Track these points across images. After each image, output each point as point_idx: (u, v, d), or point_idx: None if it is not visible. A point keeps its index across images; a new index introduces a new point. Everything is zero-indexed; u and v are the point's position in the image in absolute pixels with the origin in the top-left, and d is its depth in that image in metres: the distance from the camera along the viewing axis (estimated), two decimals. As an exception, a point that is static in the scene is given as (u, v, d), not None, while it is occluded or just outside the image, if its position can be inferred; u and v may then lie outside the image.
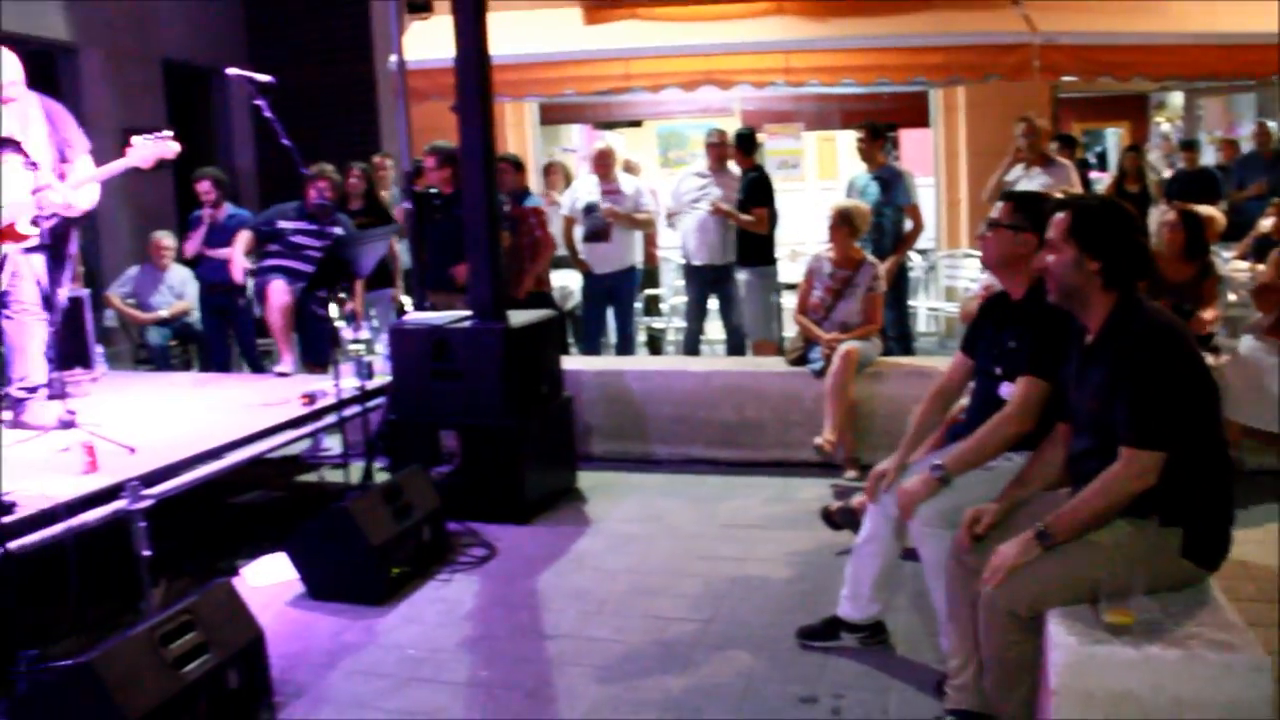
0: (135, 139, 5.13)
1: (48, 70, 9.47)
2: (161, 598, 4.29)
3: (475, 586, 4.64)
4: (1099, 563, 2.77)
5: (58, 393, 5.13)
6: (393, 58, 6.95)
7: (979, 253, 3.81)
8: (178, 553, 4.59)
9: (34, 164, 4.75)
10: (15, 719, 3.25)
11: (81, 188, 5.09)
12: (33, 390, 5.14)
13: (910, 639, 3.87)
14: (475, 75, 5.30)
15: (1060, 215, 2.97)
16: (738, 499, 5.64)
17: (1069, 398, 3.09)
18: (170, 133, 5.15)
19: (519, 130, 10.60)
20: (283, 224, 6.73)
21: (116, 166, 5.13)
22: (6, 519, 3.62)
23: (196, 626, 3.39)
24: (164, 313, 7.93)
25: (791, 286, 7.40)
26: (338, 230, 6.55)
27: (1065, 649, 2.67)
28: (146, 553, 4.13)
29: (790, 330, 6.82)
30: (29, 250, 5.03)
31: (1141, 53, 8.34)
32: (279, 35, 11.48)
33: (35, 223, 4.89)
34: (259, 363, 7.71)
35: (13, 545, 3.60)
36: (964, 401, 3.96)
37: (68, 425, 4.72)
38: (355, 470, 5.28)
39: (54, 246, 5.16)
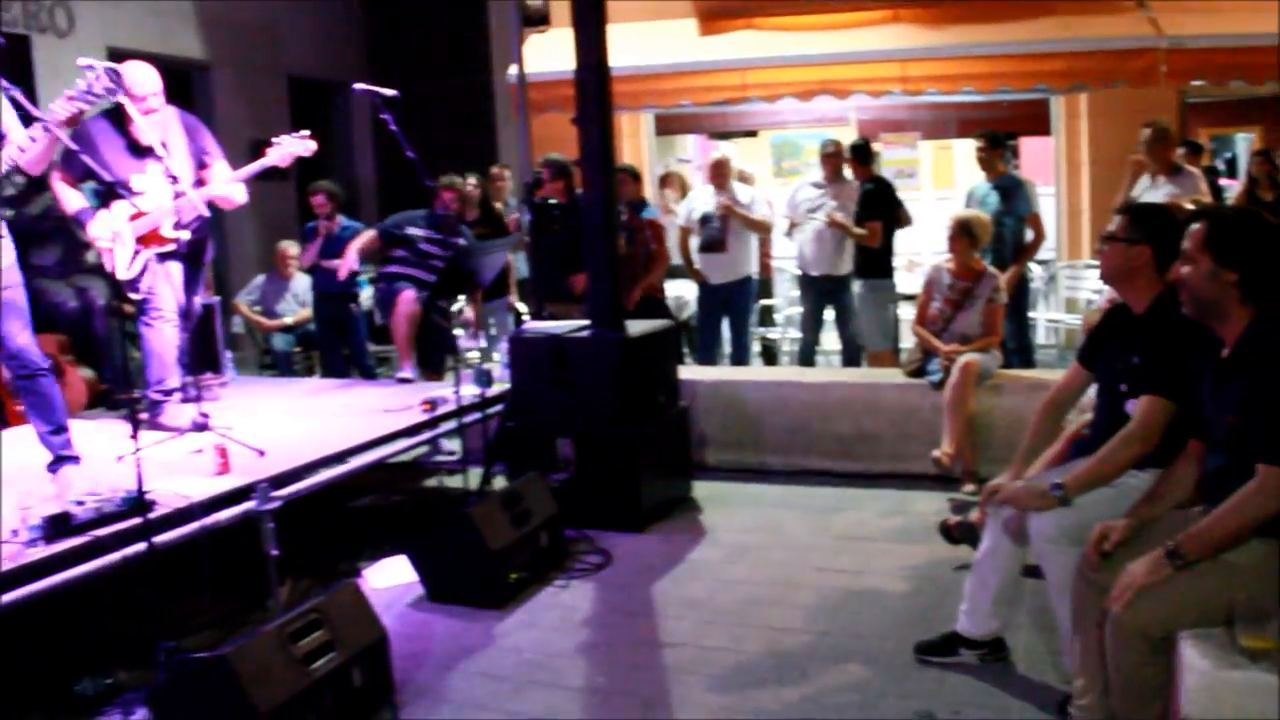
0: (276, 139, 5.34)
1: (183, 86, 9.86)
2: (287, 596, 4.42)
3: (591, 593, 4.68)
4: (1234, 584, 2.68)
5: (192, 396, 5.34)
6: (511, 70, 7.07)
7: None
8: (301, 553, 4.72)
9: (174, 176, 4.98)
10: (154, 706, 3.39)
11: (233, 184, 5.33)
12: (169, 394, 5.35)
13: (1031, 657, 3.80)
14: (595, 87, 5.36)
15: (1196, 226, 2.90)
16: (854, 511, 5.60)
17: (1203, 413, 3.01)
18: (307, 132, 5.35)
19: (634, 141, 10.68)
20: (412, 231, 6.88)
21: (259, 165, 5.33)
22: (149, 516, 3.76)
23: (324, 625, 3.50)
24: (288, 320, 8.19)
25: (909, 297, 7.33)
26: (461, 240, 6.68)
27: (1198, 673, 2.59)
28: (274, 552, 4.28)
29: (907, 341, 6.74)
30: (167, 258, 5.25)
31: (1275, 54, 8.04)
32: (398, 50, 11.75)
33: (177, 228, 5.12)
34: (371, 369, 7.90)
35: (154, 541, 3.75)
36: (1087, 416, 3.88)
37: (201, 428, 4.89)
38: (474, 476, 5.37)
39: (191, 255, 5.39)
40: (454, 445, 6.21)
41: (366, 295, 7.86)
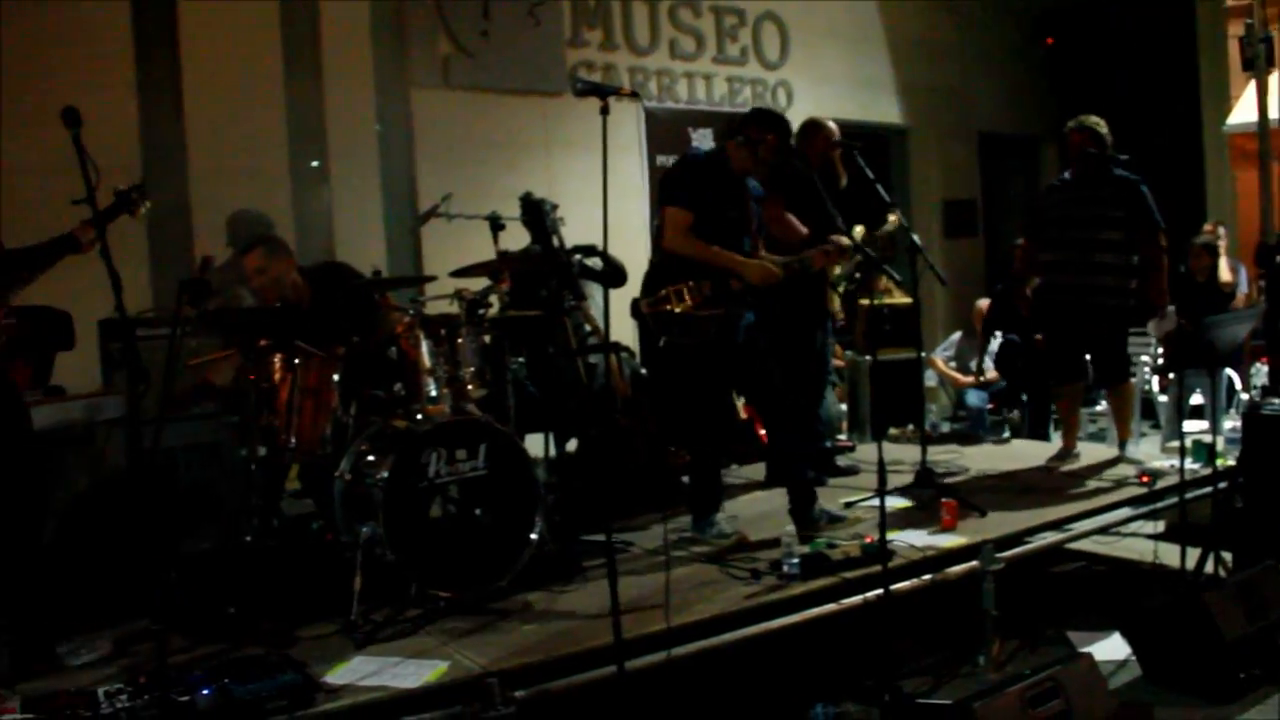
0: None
1: (882, 150, 10.51)
2: (995, 655, 4.50)
3: (1336, 707, 4.25)
4: None
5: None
6: (1232, 119, 6.63)
7: None
8: (1008, 612, 4.77)
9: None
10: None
11: None
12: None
13: None
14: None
15: None
16: None
17: None
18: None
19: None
20: None
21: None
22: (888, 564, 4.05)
23: (1061, 694, 3.53)
24: (985, 377, 8.32)
25: None
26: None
27: None
28: (993, 611, 4.41)
29: None
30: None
31: None
32: (1090, 103, 11.48)
33: None
34: (1043, 433, 7.78)
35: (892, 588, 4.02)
36: None
37: (927, 482, 5.16)
38: (1190, 556, 5.10)
39: None
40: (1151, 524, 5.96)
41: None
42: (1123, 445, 6.27)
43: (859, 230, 5.63)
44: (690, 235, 4.67)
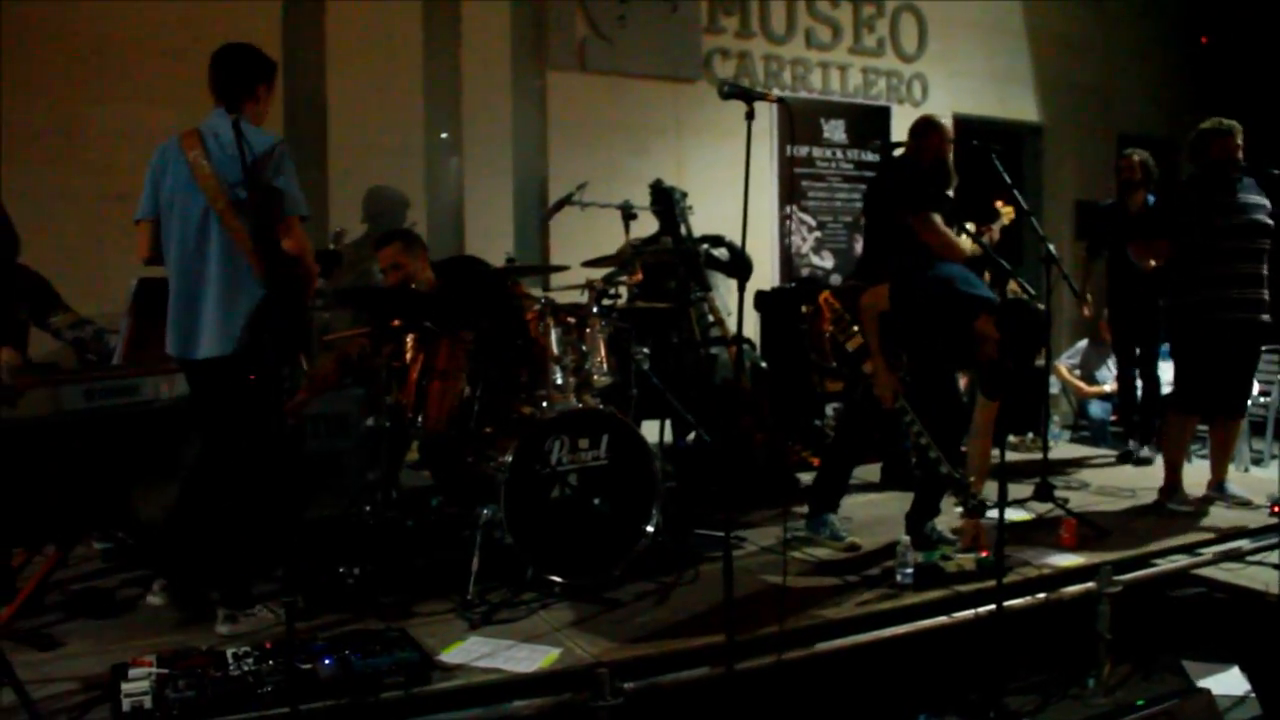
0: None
1: (1015, 148, 10.28)
2: (1105, 679, 4.42)
3: None
4: None
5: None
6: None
7: None
8: (1122, 634, 4.67)
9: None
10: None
11: None
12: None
13: None
14: None
15: None
16: None
17: None
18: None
19: None
20: None
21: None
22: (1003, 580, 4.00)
23: (1176, 730, 3.47)
24: (1107, 387, 8.10)
25: None
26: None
27: None
28: (1106, 635, 4.32)
29: None
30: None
31: None
32: (1242, 107, 11.06)
33: None
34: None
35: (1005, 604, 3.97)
36: None
37: (1045, 497, 5.07)
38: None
39: None
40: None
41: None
42: (1222, 486, 5.68)
43: (971, 226, 5.49)
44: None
